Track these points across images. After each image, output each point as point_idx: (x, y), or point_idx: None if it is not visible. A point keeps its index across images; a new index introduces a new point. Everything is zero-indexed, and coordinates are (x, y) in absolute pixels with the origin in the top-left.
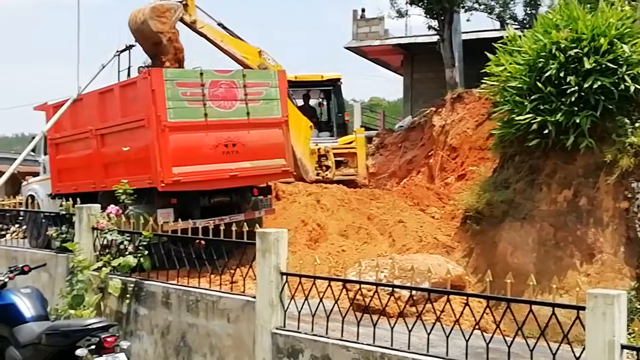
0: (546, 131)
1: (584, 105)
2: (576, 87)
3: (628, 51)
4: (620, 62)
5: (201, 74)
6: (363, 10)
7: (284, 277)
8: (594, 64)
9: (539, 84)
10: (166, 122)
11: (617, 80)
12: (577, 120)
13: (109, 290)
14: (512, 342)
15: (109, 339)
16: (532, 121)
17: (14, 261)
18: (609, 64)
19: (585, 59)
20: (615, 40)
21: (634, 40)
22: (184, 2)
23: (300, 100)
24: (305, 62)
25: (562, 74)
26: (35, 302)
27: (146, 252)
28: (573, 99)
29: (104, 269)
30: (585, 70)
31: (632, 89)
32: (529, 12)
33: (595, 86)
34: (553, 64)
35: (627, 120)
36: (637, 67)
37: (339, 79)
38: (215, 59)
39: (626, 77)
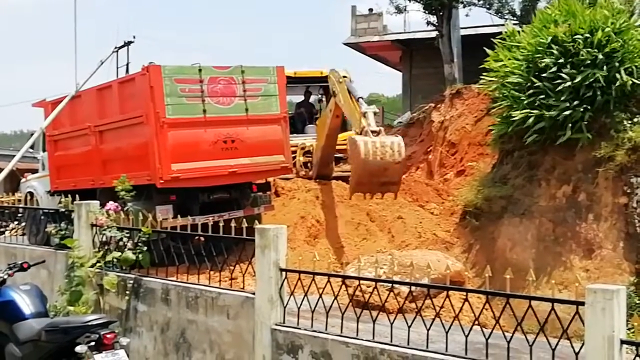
0: (540, 125)
1: (580, 101)
2: (570, 82)
3: (624, 45)
4: (616, 56)
5: (200, 70)
6: (370, 11)
7: (283, 273)
8: (590, 58)
9: (535, 79)
10: (165, 119)
11: (613, 75)
12: (572, 115)
13: (105, 286)
14: (511, 337)
15: (108, 336)
16: (529, 116)
17: (13, 258)
18: (604, 58)
19: (582, 53)
20: (612, 34)
21: (630, 34)
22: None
23: (300, 96)
24: (305, 59)
25: (558, 69)
26: (34, 299)
27: (145, 249)
28: (567, 93)
29: (97, 264)
30: (581, 65)
31: (629, 83)
32: (527, 6)
33: (590, 81)
34: (550, 58)
35: (624, 116)
36: (634, 61)
37: None
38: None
39: (622, 72)
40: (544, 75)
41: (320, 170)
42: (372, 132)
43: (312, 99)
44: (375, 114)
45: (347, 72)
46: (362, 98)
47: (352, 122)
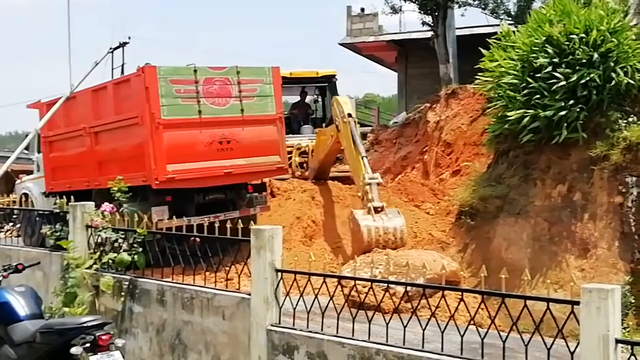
0: (536, 125)
1: (575, 100)
2: (565, 82)
3: (619, 45)
4: (612, 56)
5: (195, 70)
6: (362, 10)
7: (279, 274)
8: (585, 58)
9: (530, 79)
10: (160, 120)
11: (608, 74)
12: (567, 115)
13: (101, 288)
14: (507, 337)
15: (103, 337)
16: (524, 115)
17: (7, 260)
18: (600, 58)
19: (577, 52)
20: (607, 34)
21: (625, 33)
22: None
23: (296, 96)
24: (300, 59)
25: (553, 69)
26: (29, 301)
27: (140, 250)
28: (562, 93)
29: (94, 265)
30: (576, 65)
31: (624, 83)
32: (522, 6)
33: (585, 80)
34: (545, 58)
35: (619, 115)
36: (628, 60)
37: (334, 75)
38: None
39: (619, 71)
40: (539, 75)
41: (317, 175)
42: (375, 208)
43: (308, 99)
44: (378, 184)
45: (352, 105)
46: (365, 157)
47: (353, 175)
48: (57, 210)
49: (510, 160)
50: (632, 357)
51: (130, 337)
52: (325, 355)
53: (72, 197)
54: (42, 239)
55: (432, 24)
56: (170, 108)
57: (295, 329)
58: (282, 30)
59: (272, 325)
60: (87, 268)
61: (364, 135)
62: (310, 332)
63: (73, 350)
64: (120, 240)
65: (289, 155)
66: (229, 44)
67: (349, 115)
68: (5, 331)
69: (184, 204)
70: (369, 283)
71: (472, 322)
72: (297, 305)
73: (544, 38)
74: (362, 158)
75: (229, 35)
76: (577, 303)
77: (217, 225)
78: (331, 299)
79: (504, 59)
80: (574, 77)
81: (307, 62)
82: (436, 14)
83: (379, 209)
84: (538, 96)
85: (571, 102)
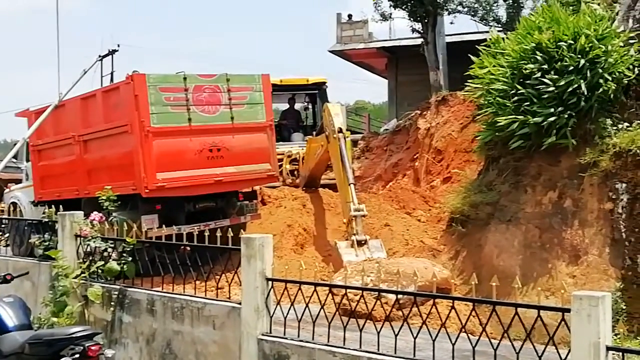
0: (525, 131)
1: (564, 107)
2: (554, 88)
3: (607, 52)
4: (599, 62)
5: (185, 78)
6: (350, 17)
7: (270, 282)
8: (573, 64)
9: (519, 86)
10: (149, 128)
11: (597, 81)
12: (556, 121)
13: (90, 297)
14: (498, 344)
15: (93, 348)
16: (514, 122)
17: None
18: (588, 64)
19: (565, 59)
20: (595, 40)
21: (613, 40)
22: None
23: (285, 104)
24: (291, 66)
25: (542, 75)
26: (18, 311)
27: (130, 259)
28: (551, 99)
29: (82, 275)
30: (565, 71)
31: (612, 89)
32: (512, 13)
33: (573, 87)
34: (534, 65)
35: (608, 122)
36: (616, 67)
37: (324, 83)
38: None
39: (607, 77)
40: (529, 81)
41: (308, 183)
42: (359, 241)
43: (299, 106)
44: (364, 217)
45: (343, 114)
46: (353, 184)
47: (340, 198)
48: (46, 220)
49: (500, 167)
50: None
51: (120, 347)
52: None
53: (61, 206)
54: (31, 248)
55: (422, 31)
56: (160, 116)
57: (286, 338)
58: (281, 34)
59: (262, 335)
60: (75, 277)
61: (354, 143)
62: (302, 341)
63: None
64: (109, 250)
65: (280, 163)
66: (228, 48)
67: (340, 130)
68: None
69: (174, 213)
70: (360, 291)
71: (463, 329)
72: (288, 314)
73: (534, 45)
74: (350, 185)
75: (227, 39)
76: (568, 310)
77: (207, 233)
78: (322, 307)
79: (494, 66)
80: (563, 83)
81: (305, 66)
82: (426, 21)
83: (363, 242)
84: (527, 103)
85: (560, 108)
